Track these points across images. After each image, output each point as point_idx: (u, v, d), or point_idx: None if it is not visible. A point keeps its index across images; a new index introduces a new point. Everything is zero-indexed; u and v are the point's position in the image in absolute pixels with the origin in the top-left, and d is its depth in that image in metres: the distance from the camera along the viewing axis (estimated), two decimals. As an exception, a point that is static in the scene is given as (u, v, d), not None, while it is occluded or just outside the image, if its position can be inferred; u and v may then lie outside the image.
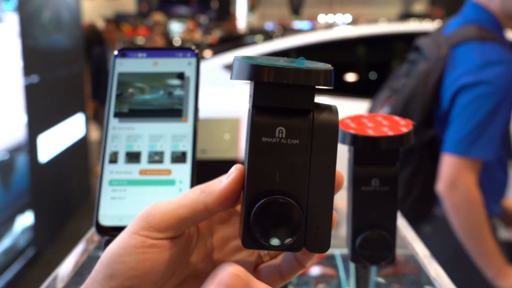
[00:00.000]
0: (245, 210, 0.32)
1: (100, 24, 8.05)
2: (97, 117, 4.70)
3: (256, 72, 0.32)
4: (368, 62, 3.03)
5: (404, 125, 0.50)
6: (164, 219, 0.33)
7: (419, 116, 1.39)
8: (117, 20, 5.10)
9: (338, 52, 2.97)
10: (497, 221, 1.50)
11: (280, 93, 0.33)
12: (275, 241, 0.32)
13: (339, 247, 0.75)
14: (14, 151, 2.60)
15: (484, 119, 1.28)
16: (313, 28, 4.49)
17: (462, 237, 1.34)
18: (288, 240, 0.32)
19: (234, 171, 0.34)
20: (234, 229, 0.39)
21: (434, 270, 0.66)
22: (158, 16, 5.76)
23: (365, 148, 0.49)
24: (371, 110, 1.60)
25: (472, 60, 1.32)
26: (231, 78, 0.35)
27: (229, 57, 2.80)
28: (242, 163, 0.35)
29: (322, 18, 16.69)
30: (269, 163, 0.33)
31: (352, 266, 0.54)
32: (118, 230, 0.45)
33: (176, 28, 13.70)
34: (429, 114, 1.39)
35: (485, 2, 1.36)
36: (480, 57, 1.31)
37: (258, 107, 0.33)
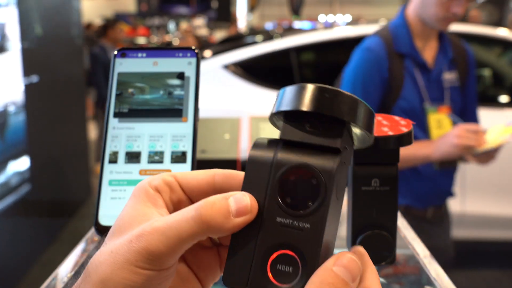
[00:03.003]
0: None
1: (97, 23, 8.05)
2: (97, 117, 4.70)
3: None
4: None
5: (404, 125, 0.50)
6: (167, 253, 0.30)
7: None
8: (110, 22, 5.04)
9: (338, 52, 2.97)
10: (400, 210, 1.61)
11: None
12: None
13: (339, 247, 0.74)
14: (14, 147, 2.60)
15: None
16: (313, 28, 4.48)
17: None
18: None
19: (249, 214, 0.31)
20: None
21: (435, 270, 0.66)
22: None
23: (365, 148, 0.49)
24: None
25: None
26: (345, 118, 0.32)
27: (229, 57, 2.80)
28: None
29: (322, 18, 16.69)
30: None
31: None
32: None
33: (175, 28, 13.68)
34: None
35: (407, 10, 1.55)
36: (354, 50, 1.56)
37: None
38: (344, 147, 0.31)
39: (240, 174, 0.34)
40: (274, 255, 0.30)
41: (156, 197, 0.34)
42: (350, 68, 1.54)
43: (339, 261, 0.29)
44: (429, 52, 1.54)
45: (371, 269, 0.31)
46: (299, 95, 0.31)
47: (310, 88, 0.31)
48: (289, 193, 0.30)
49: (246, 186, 0.32)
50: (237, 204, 0.31)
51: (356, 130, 0.32)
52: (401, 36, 1.51)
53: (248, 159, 0.32)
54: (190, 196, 0.35)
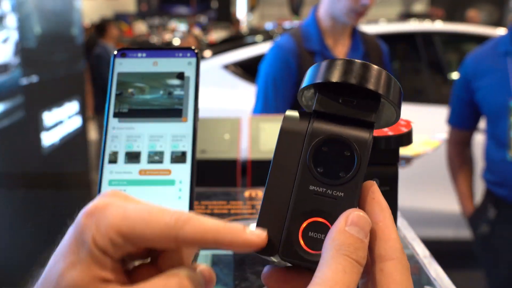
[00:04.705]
0: None
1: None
2: (97, 117, 4.70)
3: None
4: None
5: (404, 125, 0.50)
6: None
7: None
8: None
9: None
10: None
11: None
12: None
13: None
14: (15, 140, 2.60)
15: (258, 99, 1.58)
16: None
17: None
18: None
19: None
20: None
21: (434, 270, 0.66)
22: None
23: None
24: None
25: None
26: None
27: (229, 57, 2.80)
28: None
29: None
30: None
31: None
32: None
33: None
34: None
35: (318, 10, 1.60)
36: None
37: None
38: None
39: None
40: (306, 222, 0.31)
41: (103, 260, 0.30)
42: (262, 65, 1.62)
43: (349, 220, 0.29)
44: (341, 49, 1.60)
45: (380, 208, 0.31)
46: (337, 68, 0.32)
47: (349, 62, 0.32)
48: (322, 162, 0.31)
49: (277, 157, 0.32)
50: None
51: (383, 107, 0.33)
52: (311, 35, 1.57)
53: (281, 129, 0.32)
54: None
